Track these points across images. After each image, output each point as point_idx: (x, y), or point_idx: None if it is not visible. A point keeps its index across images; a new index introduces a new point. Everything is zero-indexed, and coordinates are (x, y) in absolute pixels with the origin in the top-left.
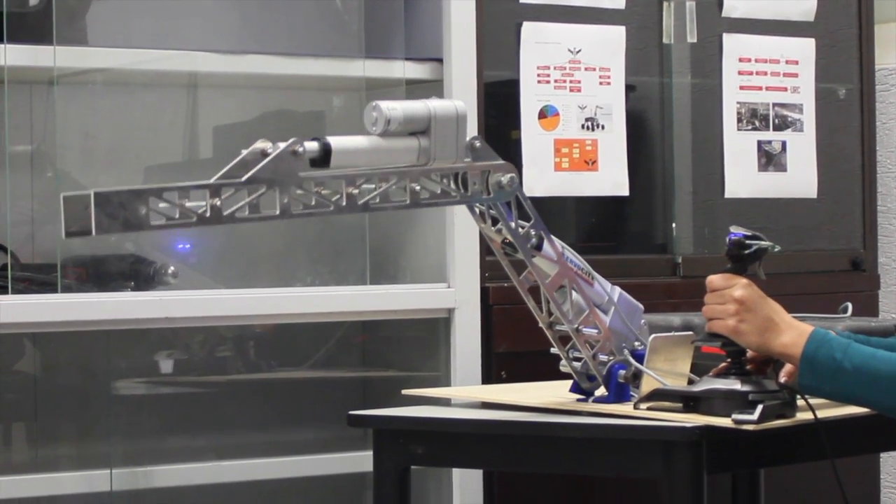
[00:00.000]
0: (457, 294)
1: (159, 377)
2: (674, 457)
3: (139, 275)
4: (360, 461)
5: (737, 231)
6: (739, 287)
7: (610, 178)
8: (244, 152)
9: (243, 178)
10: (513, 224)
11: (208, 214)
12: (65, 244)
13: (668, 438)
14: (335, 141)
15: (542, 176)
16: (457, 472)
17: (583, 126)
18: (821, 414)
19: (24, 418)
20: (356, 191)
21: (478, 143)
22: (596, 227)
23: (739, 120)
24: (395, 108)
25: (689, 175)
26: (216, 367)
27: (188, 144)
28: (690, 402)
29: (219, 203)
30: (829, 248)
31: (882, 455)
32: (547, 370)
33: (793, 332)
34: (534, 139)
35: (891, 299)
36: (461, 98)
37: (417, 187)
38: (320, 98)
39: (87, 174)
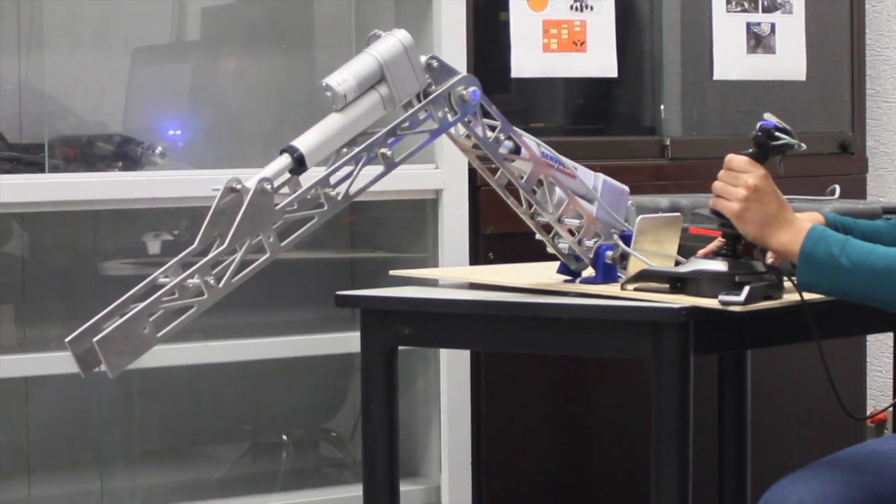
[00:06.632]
0: (444, 175)
1: (147, 258)
2: (661, 337)
3: (127, 155)
4: (348, 342)
5: (770, 119)
6: (756, 175)
7: (598, 59)
8: (217, 193)
9: (225, 244)
10: (480, 132)
11: (206, 296)
12: (52, 124)
13: (655, 319)
14: (303, 144)
15: (530, 57)
16: (444, 353)
17: (571, 7)
18: (807, 296)
19: (12, 299)
20: (333, 192)
21: (435, 63)
22: (584, 108)
23: (728, 2)
24: (346, 79)
25: (677, 57)
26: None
27: (176, 26)
28: (678, 283)
29: (211, 280)
30: (817, 130)
31: (868, 338)
32: (534, 252)
33: (792, 230)
34: (522, 20)
35: (878, 182)
36: None
37: (388, 152)
38: None
39: (75, 55)
